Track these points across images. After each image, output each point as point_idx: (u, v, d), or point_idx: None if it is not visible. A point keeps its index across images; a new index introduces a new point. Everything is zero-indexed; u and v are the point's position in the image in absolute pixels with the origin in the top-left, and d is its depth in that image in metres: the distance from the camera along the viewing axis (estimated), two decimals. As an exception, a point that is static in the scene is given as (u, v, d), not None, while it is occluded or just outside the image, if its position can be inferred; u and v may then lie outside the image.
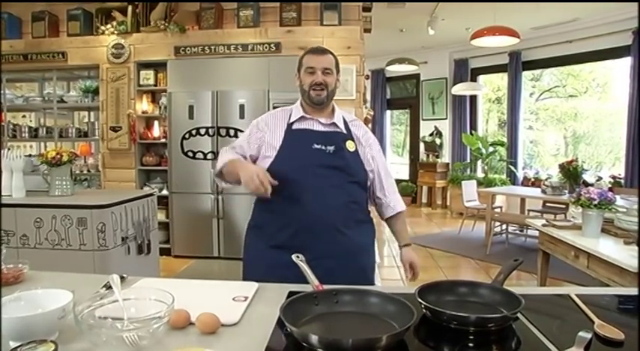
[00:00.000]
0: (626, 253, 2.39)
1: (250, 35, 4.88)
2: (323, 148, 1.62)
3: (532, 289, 1.31)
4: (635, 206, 2.90)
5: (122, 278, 1.34)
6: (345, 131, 1.70)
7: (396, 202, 1.84)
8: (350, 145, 1.67)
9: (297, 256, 1.28)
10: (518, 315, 1.04)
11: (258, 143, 1.70)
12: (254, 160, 1.71)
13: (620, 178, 6.36)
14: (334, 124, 1.71)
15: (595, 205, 2.70)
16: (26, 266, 1.38)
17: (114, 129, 5.00)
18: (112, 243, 3.01)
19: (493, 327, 1.01)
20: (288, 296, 1.21)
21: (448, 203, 8.46)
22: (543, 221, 3.27)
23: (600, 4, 5.76)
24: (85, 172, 5.26)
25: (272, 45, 4.82)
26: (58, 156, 3.16)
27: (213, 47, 4.87)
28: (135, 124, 4.97)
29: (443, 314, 1.02)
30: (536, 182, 7.28)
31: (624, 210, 2.88)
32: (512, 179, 7.66)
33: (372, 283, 1.77)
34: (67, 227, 2.96)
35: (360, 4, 4.99)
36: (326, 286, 1.14)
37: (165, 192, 5.07)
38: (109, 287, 1.26)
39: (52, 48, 5.04)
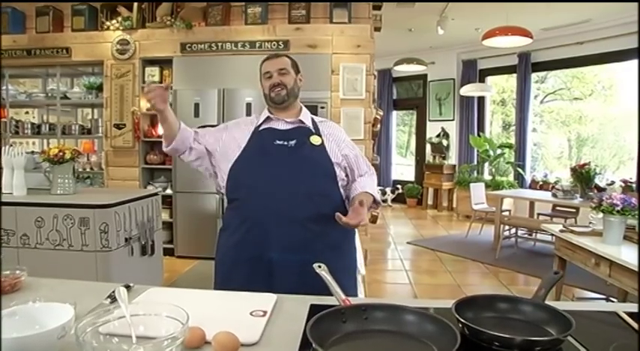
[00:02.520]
0: (653, 262, 2.27)
1: (258, 32, 4.78)
2: (285, 143, 1.64)
3: (572, 304, 1.20)
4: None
5: (128, 287, 1.24)
6: (311, 128, 1.72)
7: (364, 184, 1.71)
8: (315, 139, 1.68)
9: (319, 266, 1.18)
10: (565, 335, 0.94)
11: (222, 139, 1.72)
12: (210, 151, 1.74)
13: (632, 183, 6.23)
14: (300, 121, 1.73)
15: (618, 211, 2.59)
16: (24, 273, 1.27)
17: (118, 126, 4.90)
18: (114, 244, 2.92)
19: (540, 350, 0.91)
20: (310, 310, 1.11)
21: (454, 205, 8.35)
22: (560, 226, 3.16)
23: (613, 5, 5.65)
24: (87, 169, 5.17)
25: (280, 43, 4.72)
26: (61, 153, 3.06)
27: (220, 44, 4.78)
28: (139, 122, 4.88)
29: (484, 334, 0.92)
30: (544, 185, 7.17)
31: (646, 216, 2.76)
32: (520, 182, 7.55)
33: (352, 291, 1.66)
34: (69, 227, 2.86)
35: (370, 3, 4.89)
36: (353, 300, 1.04)
37: (169, 191, 4.98)
38: (113, 298, 1.16)
39: (56, 43, 4.95)
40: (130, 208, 3.11)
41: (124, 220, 3.03)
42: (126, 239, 3.05)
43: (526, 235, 5.79)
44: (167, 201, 4.90)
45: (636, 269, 2.31)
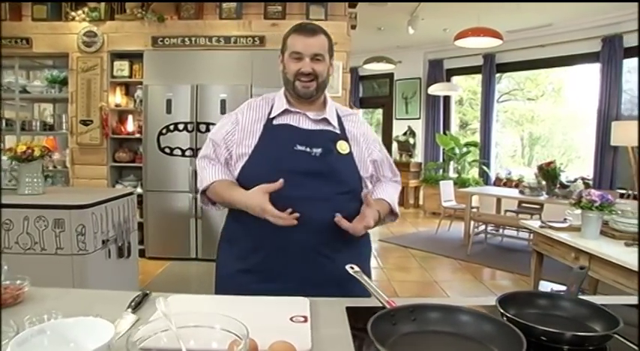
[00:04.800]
0: (633, 256, 2.38)
1: (233, 27, 4.66)
2: (308, 150, 1.32)
3: (593, 298, 1.23)
4: (629, 208, 2.95)
5: (145, 295, 1.16)
6: (337, 129, 1.41)
7: (383, 190, 1.52)
8: (342, 147, 1.37)
9: (352, 268, 1.15)
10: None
11: (234, 140, 1.41)
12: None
13: (589, 180, 6.56)
14: (325, 121, 1.40)
15: (596, 207, 2.70)
16: (27, 283, 1.16)
17: (84, 122, 4.65)
18: (92, 246, 2.76)
19: (590, 347, 0.91)
20: (348, 313, 1.08)
21: (421, 203, 8.51)
22: (539, 222, 3.27)
23: (574, 10, 5.92)
24: (50, 168, 4.88)
25: (256, 38, 4.63)
26: (29, 151, 2.86)
27: (193, 39, 4.63)
28: (107, 118, 4.65)
29: (535, 330, 0.91)
30: (507, 182, 7.43)
31: (619, 212, 2.90)
32: (485, 179, 7.79)
33: None
34: (42, 229, 2.68)
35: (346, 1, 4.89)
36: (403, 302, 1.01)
37: (139, 190, 4.77)
38: (134, 308, 1.08)
39: (15, 33, 4.62)
40: (107, 208, 2.96)
41: (101, 221, 2.88)
42: (103, 241, 2.90)
43: (493, 231, 5.97)
44: (137, 200, 4.69)
45: (617, 262, 2.41)
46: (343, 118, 1.46)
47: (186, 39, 4.62)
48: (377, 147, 1.49)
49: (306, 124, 1.39)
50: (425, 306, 0.96)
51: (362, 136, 1.45)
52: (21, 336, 0.75)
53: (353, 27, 5.09)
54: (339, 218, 1.26)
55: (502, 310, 0.98)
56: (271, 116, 1.39)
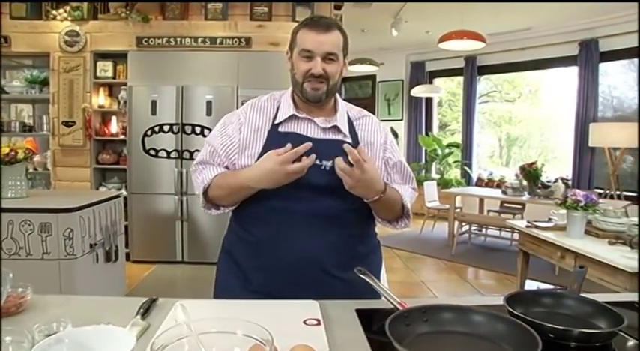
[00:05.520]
0: (617, 254, 2.46)
1: (219, 28, 4.64)
2: (317, 162, 1.19)
3: (594, 296, 1.26)
4: (611, 207, 3.05)
5: (153, 301, 1.15)
6: (349, 138, 1.28)
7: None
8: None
9: (359, 270, 1.16)
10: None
11: (236, 150, 1.29)
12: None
13: (568, 180, 6.73)
14: (335, 129, 1.29)
15: (581, 207, 2.78)
16: (29, 291, 1.14)
17: (67, 124, 4.55)
18: (80, 251, 2.71)
19: (597, 343, 0.95)
20: (359, 315, 1.09)
21: (404, 203, 8.57)
22: (525, 222, 3.34)
23: (553, 15, 6.07)
24: (30, 170, 4.75)
25: (242, 39, 4.61)
26: (13, 153, 2.79)
27: (178, 39, 4.58)
28: (91, 119, 4.56)
29: (544, 327, 0.93)
30: (489, 183, 7.57)
31: (602, 211, 2.99)
32: (467, 180, 7.91)
33: None
34: (28, 234, 2.61)
35: (332, 3, 4.91)
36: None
37: (123, 192, 4.69)
38: (142, 314, 1.07)
39: (-8, 31, 4.51)
40: (94, 211, 2.91)
41: (89, 225, 2.82)
42: (91, 245, 2.85)
43: (477, 231, 6.07)
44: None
45: (602, 260, 2.49)
46: (355, 122, 1.35)
47: (172, 39, 4.58)
48: (389, 149, 1.36)
49: (314, 133, 1.28)
50: (437, 307, 0.98)
51: (376, 141, 1.34)
52: (40, 345, 0.74)
53: (339, 29, 5.11)
54: (348, 148, 1.14)
55: (511, 309, 1.00)
56: (276, 122, 1.28)
